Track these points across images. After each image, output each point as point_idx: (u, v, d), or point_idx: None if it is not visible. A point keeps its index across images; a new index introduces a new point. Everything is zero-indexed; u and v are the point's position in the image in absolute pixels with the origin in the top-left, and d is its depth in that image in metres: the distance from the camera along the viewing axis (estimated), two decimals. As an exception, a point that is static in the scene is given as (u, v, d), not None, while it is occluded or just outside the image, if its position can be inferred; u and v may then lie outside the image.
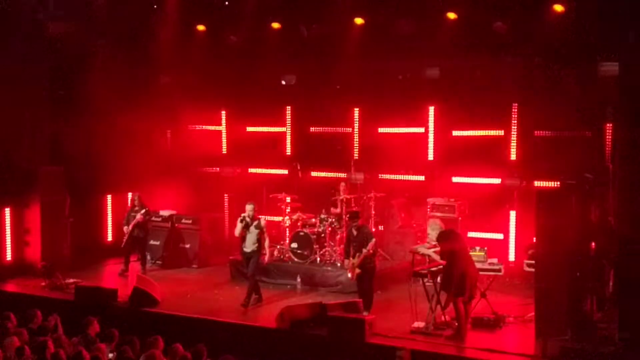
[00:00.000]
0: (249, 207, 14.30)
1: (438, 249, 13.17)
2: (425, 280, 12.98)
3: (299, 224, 16.58)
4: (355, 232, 13.58)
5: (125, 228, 16.72)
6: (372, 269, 13.61)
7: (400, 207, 17.26)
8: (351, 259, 13.51)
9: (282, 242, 16.75)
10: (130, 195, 17.66)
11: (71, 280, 15.68)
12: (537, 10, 14.83)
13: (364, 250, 13.27)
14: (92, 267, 17.23)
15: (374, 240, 13.41)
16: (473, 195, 16.59)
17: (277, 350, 12.57)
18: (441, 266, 12.80)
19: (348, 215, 14.15)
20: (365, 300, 13.38)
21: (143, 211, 16.63)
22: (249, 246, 14.31)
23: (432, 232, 12.70)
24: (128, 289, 14.52)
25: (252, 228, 14.22)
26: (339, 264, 15.72)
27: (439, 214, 15.99)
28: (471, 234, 16.03)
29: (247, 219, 14.18)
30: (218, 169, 19.77)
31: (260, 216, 14.56)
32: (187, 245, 17.59)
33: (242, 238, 14.37)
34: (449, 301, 12.42)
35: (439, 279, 12.90)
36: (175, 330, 12.65)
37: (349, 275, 13.72)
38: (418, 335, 12.37)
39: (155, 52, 18.14)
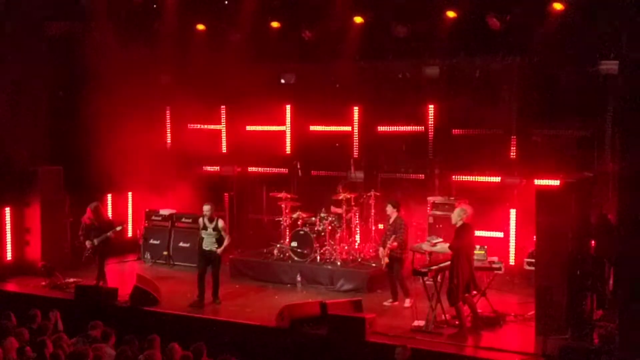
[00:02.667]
0: (206, 208, 14.43)
1: (438, 248, 13.20)
2: (426, 278, 12.99)
3: (298, 222, 16.56)
4: (391, 221, 14.11)
5: (87, 242, 15.31)
6: (399, 259, 13.96)
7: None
8: (381, 248, 14.06)
9: (282, 241, 16.74)
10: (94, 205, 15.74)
11: (71, 280, 15.73)
12: (537, 9, 14.81)
13: (388, 244, 13.86)
14: (92, 266, 17.16)
15: (394, 236, 13.86)
16: (473, 193, 16.56)
17: (277, 349, 12.58)
18: (442, 265, 12.85)
19: (389, 203, 14.45)
20: (402, 289, 14.00)
21: (119, 228, 15.63)
22: (208, 245, 14.38)
23: (457, 218, 12.65)
24: (128, 288, 14.53)
25: (210, 229, 14.36)
26: (339, 263, 15.74)
27: (438, 213, 15.99)
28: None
29: (205, 220, 14.37)
30: (218, 167, 19.76)
31: (218, 217, 14.63)
32: (187, 244, 17.58)
33: (200, 238, 14.53)
34: (457, 299, 12.40)
35: (439, 277, 12.92)
36: (175, 329, 12.66)
37: (382, 263, 14.22)
38: (418, 333, 12.39)
39: (155, 51, 18.13)
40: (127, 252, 18.69)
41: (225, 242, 14.44)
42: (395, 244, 13.85)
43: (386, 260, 13.94)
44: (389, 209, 14.25)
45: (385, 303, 14.17)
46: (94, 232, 15.34)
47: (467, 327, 12.44)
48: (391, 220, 14.17)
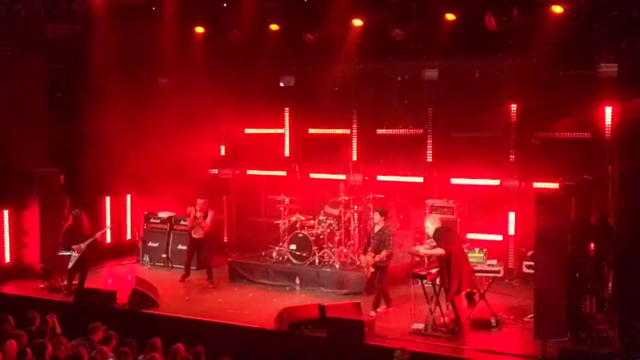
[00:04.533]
0: (200, 201, 16.04)
1: (436, 250, 13.19)
2: (425, 281, 12.98)
3: (297, 225, 16.57)
4: (377, 230, 13.86)
5: (75, 247, 14.97)
6: (384, 269, 13.80)
7: (398, 208, 17.24)
8: (367, 255, 13.82)
9: (280, 244, 16.73)
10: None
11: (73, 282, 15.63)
12: (536, 11, 14.81)
13: (377, 257, 13.64)
14: (91, 268, 17.17)
15: (385, 251, 13.65)
16: (472, 196, 16.57)
17: (275, 352, 12.55)
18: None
19: (376, 211, 14.37)
20: (374, 300, 13.72)
21: (104, 230, 15.55)
22: (198, 234, 16.06)
23: (431, 227, 12.74)
24: (127, 290, 14.51)
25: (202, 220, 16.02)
26: (337, 266, 15.73)
27: (438, 215, 15.95)
28: (470, 235, 16.01)
29: (198, 212, 15.98)
30: (216, 170, 19.75)
31: (210, 210, 16.22)
32: (186, 247, 17.55)
33: (192, 227, 16.18)
34: (448, 301, 12.43)
35: (437, 280, 12.92)
36: (174, 331, 12.63)
37: (366, 271, 14.03)
38: (417, 336, 12.38)
39: (153, 53, 18.13)
40: (126, 254, 18.68)
41: (206, 219, 15.93)
42: (384, 258, 13.67)
43: (372, 270, 13.76)
44: (377, 217, 14.04)
45: (371, 313, 13.63)
46: (74, 239, 15.08)
47: (466, 329, 12.44)
48: (377, 229, 13.90)
